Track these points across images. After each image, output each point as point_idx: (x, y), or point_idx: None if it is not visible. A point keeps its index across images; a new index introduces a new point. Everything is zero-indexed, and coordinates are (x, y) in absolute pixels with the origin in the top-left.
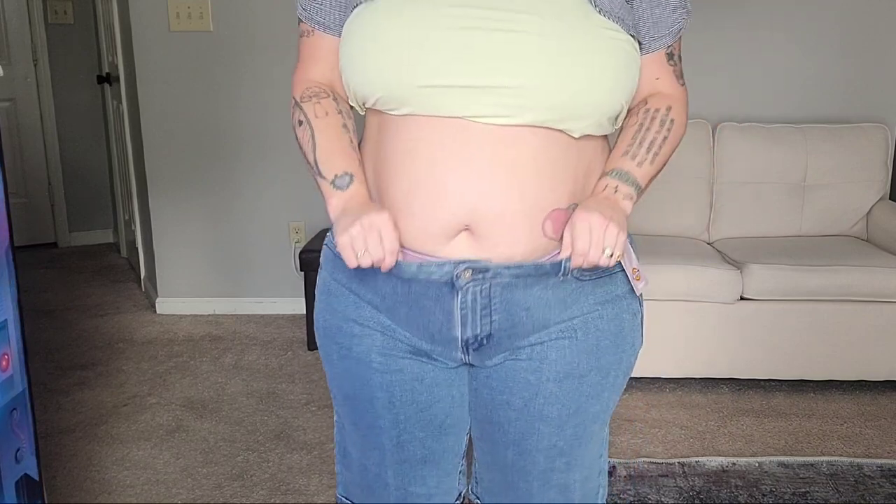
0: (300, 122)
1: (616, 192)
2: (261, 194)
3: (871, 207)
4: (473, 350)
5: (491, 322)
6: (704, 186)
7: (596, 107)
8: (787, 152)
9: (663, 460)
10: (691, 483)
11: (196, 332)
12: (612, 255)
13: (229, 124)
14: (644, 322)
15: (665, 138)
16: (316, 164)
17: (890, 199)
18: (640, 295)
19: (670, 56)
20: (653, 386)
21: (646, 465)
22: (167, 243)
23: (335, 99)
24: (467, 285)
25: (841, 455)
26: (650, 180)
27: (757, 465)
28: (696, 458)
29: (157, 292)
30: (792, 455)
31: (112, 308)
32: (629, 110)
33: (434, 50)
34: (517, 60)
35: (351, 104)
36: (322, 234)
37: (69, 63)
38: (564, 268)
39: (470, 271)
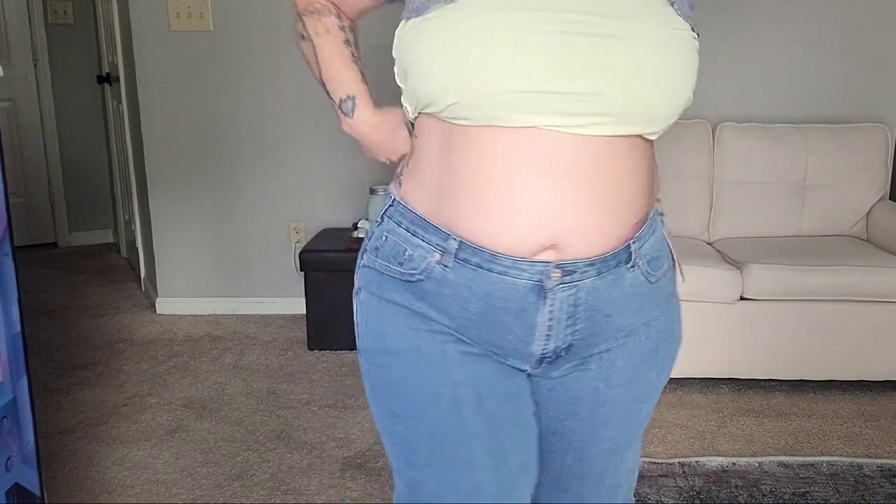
0: (302, 37)
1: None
2: (261, 194)
3: (871, 207)
4: (546, 363)
5: (574, 332)
6: (704, 186)
7: (675, 110)
8: (787, 152)
9: (663, 460)
10: (691, 483)
11: (196, 332)
12: None
13: (229, 124)
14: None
15: None
16: (323, 84)
17: (890, 199)
18: None
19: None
20: None
21: (646, 465)
22: (167, 243)
23: (338, 16)
24: (556, 287)
25: (841, 455)
26: None
27: (757, 465)
28: (696, 458)
29: (157, 292)
30: (792, 455)
31: (112, 308)
32: None
33: (518, 55)
34: (605, 66)
35: (405, 106)
36: (322, 234)
37: (69, 63)
38: (635, 250)
39: (560, 271)
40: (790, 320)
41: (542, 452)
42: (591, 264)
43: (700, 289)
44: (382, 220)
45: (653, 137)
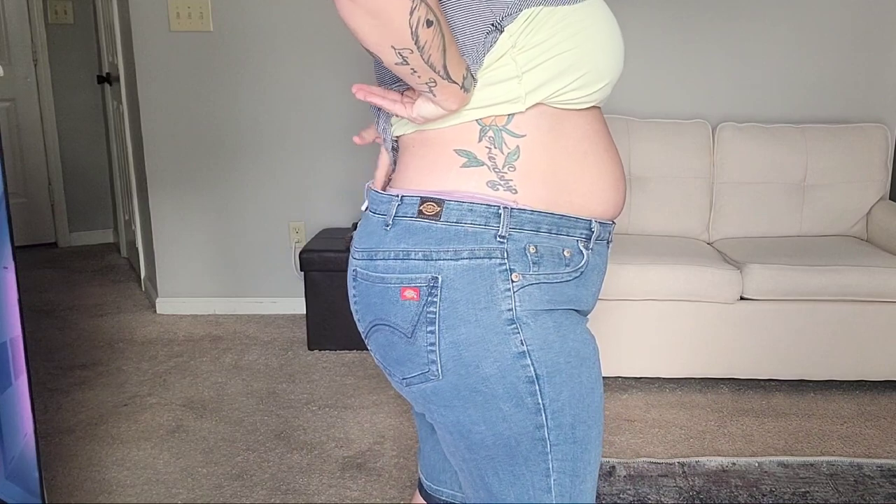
0: (429, 23)
1: None
2: (261, 194)
3: (871, 207)
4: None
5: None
6: (704, 186)
7: None
8: (787, 152)
9: (663, 460)
10: (691, 483)
11: (196, 332)
12: None
13: (229, 124)
14: None
15: None
16: (445, 68)
17: (890, 199)
18: None
19: None
20: (653, 386)
21: (646, 465)
22: (167, 243)
23: None
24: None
25: (841, 455)
26: None
27: (757, 465)
28: (696, 458)
29: (157, 292)
30: (792, 455)
31: (112, 308)
32: None
33: (619, 39)
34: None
35: (510, 110)
36: (322, 234)
37: (69, 63)
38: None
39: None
40: (790, 320)
41: None
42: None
43: (700, 289)
44: (510, 235)
45: None
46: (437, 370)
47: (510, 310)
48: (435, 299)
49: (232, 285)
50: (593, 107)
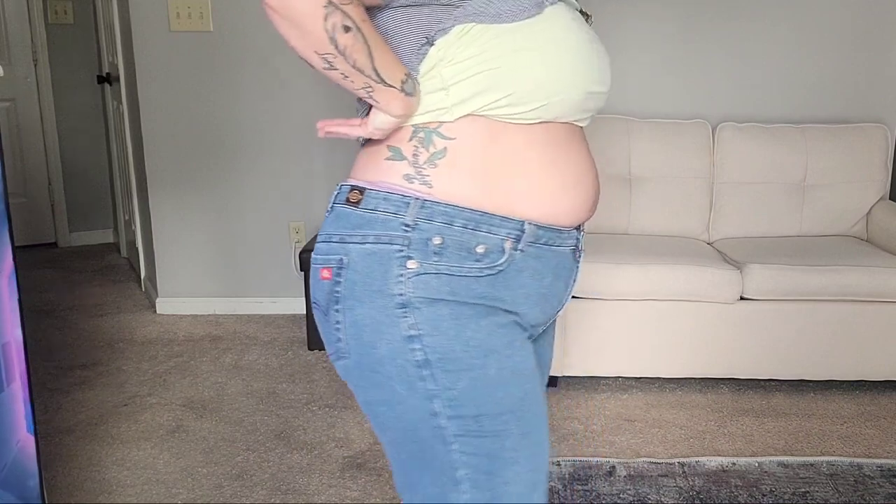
0: (346, 28)
1: None
2: (261, 194)
3: (871, 207)
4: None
5: (573, 287)
6: (704, 186)
7: None
8: (787, 152)
9: (663, 460)
10: (691, 483)
11: (196, 332)
12: None
13: (229, 124)
14: None
15: None
16: (376, 72)
17: (890, 199)
18: None
19: None
20: (653, 386)
21: (646, 465)
22: (167, 243)
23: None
24: (581, 249)
25: (841, 455)
26: None
27: (757, 465)
28: (696, 458)
29: (157, 292)
30: (792, 455)
31: (112, 308)
32: None
33: (589, 61)
34: (607, 69)
35: (441, 118)
36: None
37: (69, 63)
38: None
39: (581, 231)
40: (790, 320)
41: None
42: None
43: (700, 289)
44: (417, 224)
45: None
46: (345, 348)
47: (401, 294)
48: (340, 279)
49: (232, 285)
50: (566, 123)
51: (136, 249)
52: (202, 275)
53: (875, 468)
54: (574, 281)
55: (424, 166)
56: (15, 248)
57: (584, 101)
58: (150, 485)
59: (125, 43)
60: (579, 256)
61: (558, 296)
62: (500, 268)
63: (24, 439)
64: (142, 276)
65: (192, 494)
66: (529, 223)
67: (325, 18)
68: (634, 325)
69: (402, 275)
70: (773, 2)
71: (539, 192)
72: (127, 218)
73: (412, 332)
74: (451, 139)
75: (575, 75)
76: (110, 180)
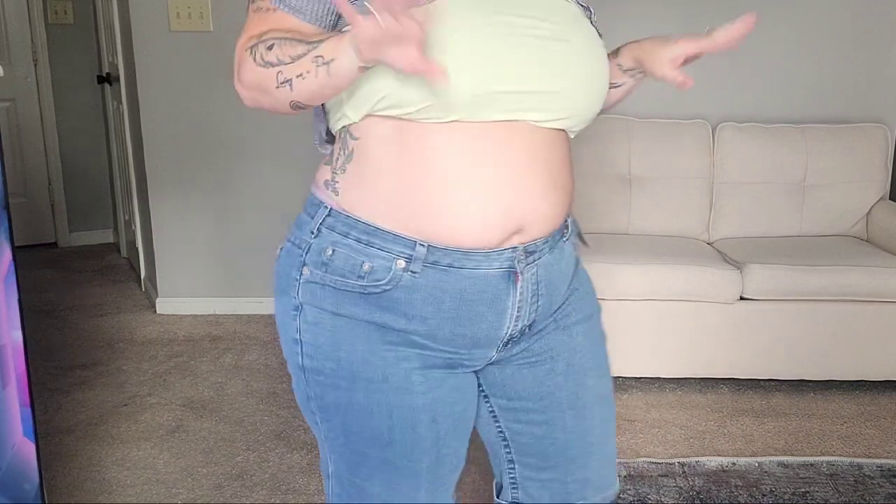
0: (269, 46)
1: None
2: (261, 194)
3: (871, 207)
4: (512, 344)
5: (538, 308)
6: (704, 186)
7: (597, 110)
8: (787, 152)
9: (663, 460)
10: (691, 483)
11: (196, 332)
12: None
13: (229, 124)
14: None
15: None
16: (311, 43)
17: (890, 199)
18: None
19: None
20: (653, 386)
21: (646, 465)
22: (167, 243)
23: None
24: (525, 269)
25: (841, 455)
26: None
27: (757, 465)
28: (696, 458)
29: (157, 292)
30: (792, 455)
31: (112, 308)
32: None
33: (491, 57)
34: (563, 67)
35: (347, 113)
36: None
37: (69, 63)
38: (569, 225)
39: (524, 253)
40: (790, 320)
41: (542, 432)
42: (546, 242)
43: (700, 289)
44: (320, 232)
45: (573, 135)
46: None
47: (295, 297)
48: (274, 271)
49: (232, 285)
50: (496, 123)
51: (136, 249)
52: (202, 275)
53: (875, 468)
54: (520, 300)
55: (338, 171)
56: (15, 248)
57: (490, 100)
58: (150, 485)
59: (125, 43)
60: (518, 280)
61: (489, 323)
62: (385, 287)
63: (20, 443)
64: (142, 276)
65: (192, 494)
66: (421, 244)
67: (253, 57)
68: (634, 325)
69: (297, 279)
70: (773, 2)
71: (440, 207)
72: (127, 218)
73: (297, 336)
74: (356, 139)
75: (459, 74)
76: (110, 180)
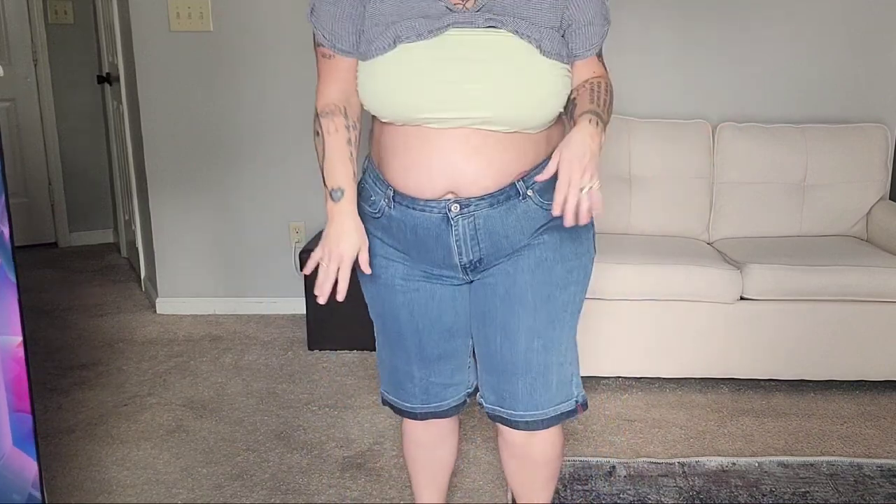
0: (317, 133)
1: (591, 120)
2: (261, 194)
3: (871, 207)
4: (470, 270)
5: (479, 249)
6: (704, 186)
7: (542, 119)
8: (787, 152)
9: (663, 460)
10: (691, 483)
11: (196, 332)
12: (591, 188)
13: (229, 124)
14: (595, 239)
15: (609, 94)
16: (322, 172)
17: (890, 199)
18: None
19: (599, 55)
20: (653, 386)
21: (646, 465)
22: (167, 243)
23: (346, 115)
24: (457, 218)
25: (841, 455)
26: (607, 121)
27: (757, 465)
28: (696, 458)
29: (157, 292)
30: (792, 455)
31: (112, 308)
32: (573, 92)
33: (427, 94)
34: (484, 101)
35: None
36: (322, 235)
37: (69, 63)
38: (521, 187)
39: (457, 205)
40: (790, 320)
41: (479, 337)
42: (482, 199)
43: (700, 289)
44: (364, 171)
45: (530, 133)
46: None
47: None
48: None
49: (232, 285)
50: (417, 126)
51: (136, 249)
52: (202, 275)
53: (875, 468)
54: (457, 239)
55: (373, 140)
56: (15, 248)
57: (412, 115)
58: (150, 485)
59: (125, 43)
60: (455, 221)
61: (435, 249)
62: (378, 215)
63: (10, 454)
64: (142, 276)
65: (192, 494)
66: (390, 188)
67: (313, 122)
68: (634, 325)
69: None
70: (773, 2)
71: (395, 169)
72: (127, 218)
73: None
74: (377, 125)
75: (393, 97)
76: (110, 180)
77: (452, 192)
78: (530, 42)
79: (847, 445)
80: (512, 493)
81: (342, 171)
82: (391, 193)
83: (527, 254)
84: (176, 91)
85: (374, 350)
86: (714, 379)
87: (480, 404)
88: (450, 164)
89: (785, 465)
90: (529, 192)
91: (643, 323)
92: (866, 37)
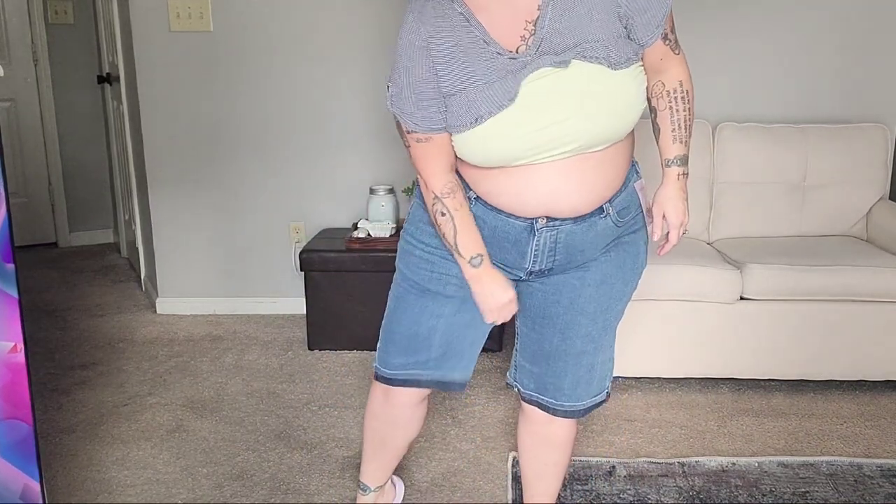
0: (443, 214)
1: (680, 177)
2: (261, 194)
3: (871, 207)
4: (535, 275)
5: (554, 260)
6: (704, 186)
7: (631, 125)
8: (787, 152)
9: (663, 460)
10: (691, 483)
11: (196, 332)
12: (685, 231)
13: (229, 124)
14: (648, 248)
15: (689, 109)
16: (456, 246)
17: (890, 199)
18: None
19: (665, 38)
20: (653, 386)
21: (646, 465)
22: (167, 243)
23: (461, 188)
24: (542, 230)
25: (841, 455)
26: (690, 139)
27: (757, 465)
28: (696, 458)
29: (157, 292)
30: (792, 455)
31: (112, 308)
32: (651, 91)
33: (519, 146)
34: (574, 135)
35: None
36: (322, 234)
37: (69, 63)
38: (606, 207)
39: (545, 219)
40: (790, 320)
41: (533, 333)
42: (570, 219)
43: (700, 289)
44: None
45: (600, 147)
46: None
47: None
48: None
49: (232, 285)
50: (502, 168)
51: (136, 249)
52: (202, 275)
53: (875, 468)
54: (536, 249)
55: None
56: (15, 248)
57: (508, 163)
58: (150, 485)
59: (125, 43)
60: (539, 232)
61: (510, 251)
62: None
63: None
64: (142, 276)
65: (192, 494)
66: (475, 192)
67: (433, 206)
68: (634, 325)
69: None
70: (772, 2)
71: (486, 190)
72: (127, 218)
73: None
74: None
75: (488, 155)
76: (110, 180)
77: (546, 216)
78: (599, 63)
79: (847, 445)
80: (515, 493)
81: (475, 239)
82: (473, 196)
83: (594, 269)
84: (176, 91)
85: (375, 350)
86: (714, 379)
87: (513, 386)
88: (547, 195)
89: (785, 465)
90: (610, 211)
91: (643, 323)
92: (866, 37)
